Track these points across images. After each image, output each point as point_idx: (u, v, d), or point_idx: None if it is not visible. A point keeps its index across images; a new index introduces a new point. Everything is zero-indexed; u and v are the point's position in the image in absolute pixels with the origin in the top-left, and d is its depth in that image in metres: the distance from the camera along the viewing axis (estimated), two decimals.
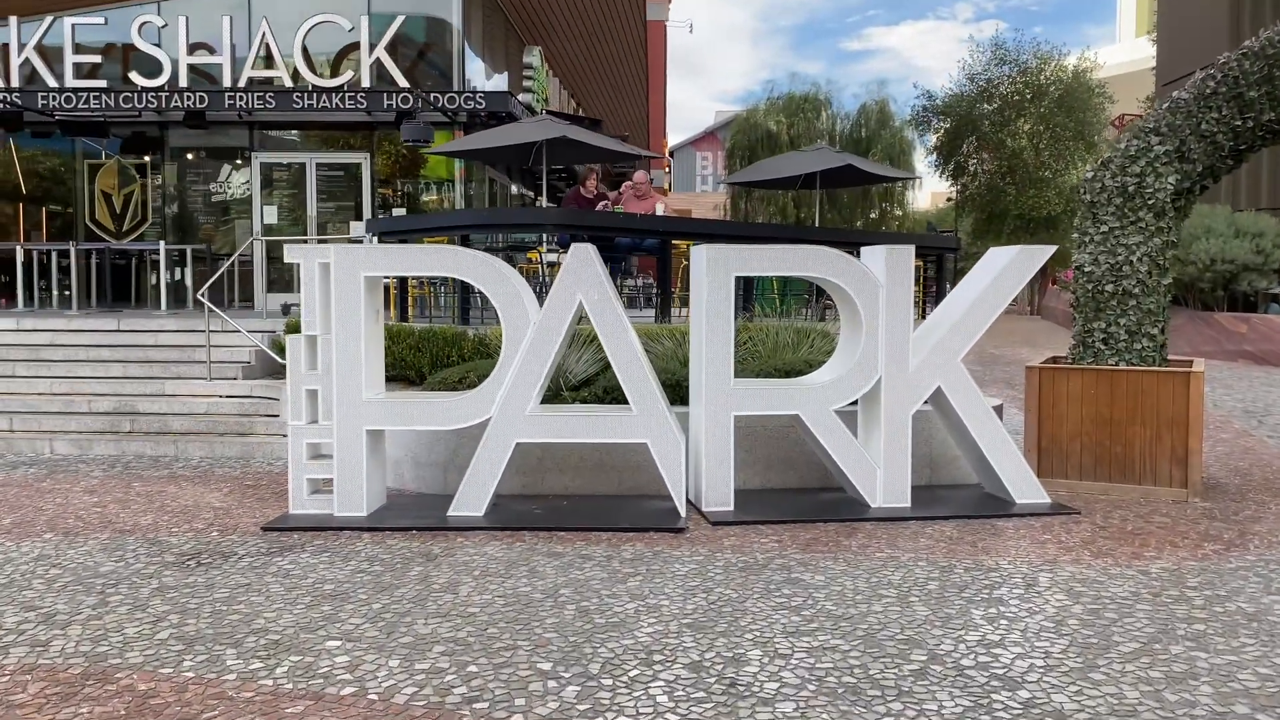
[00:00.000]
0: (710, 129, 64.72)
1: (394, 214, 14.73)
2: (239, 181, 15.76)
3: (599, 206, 9.65)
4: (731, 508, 6.08)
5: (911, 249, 6.23)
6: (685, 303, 9.88)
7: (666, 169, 60.02)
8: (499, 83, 17.19)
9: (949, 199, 39.18)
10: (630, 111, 27.32)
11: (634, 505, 6.27)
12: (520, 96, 15.76)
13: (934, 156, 33.20)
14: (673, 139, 67.85)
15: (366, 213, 14.98)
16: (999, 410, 7.29)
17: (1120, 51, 51.15)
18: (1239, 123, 6.55)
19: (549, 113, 14.23)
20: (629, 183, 10.20)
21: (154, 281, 13.39)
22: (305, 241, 13.13)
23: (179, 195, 15.95)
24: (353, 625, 4.14)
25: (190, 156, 15.94)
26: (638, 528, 5.72)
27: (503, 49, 17.72)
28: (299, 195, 15.41)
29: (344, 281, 5.89)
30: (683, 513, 5.91)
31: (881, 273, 6.16)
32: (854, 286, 6.13)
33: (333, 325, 5.90)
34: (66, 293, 13.44)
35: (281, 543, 5.48)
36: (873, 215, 38.23)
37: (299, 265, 6.00)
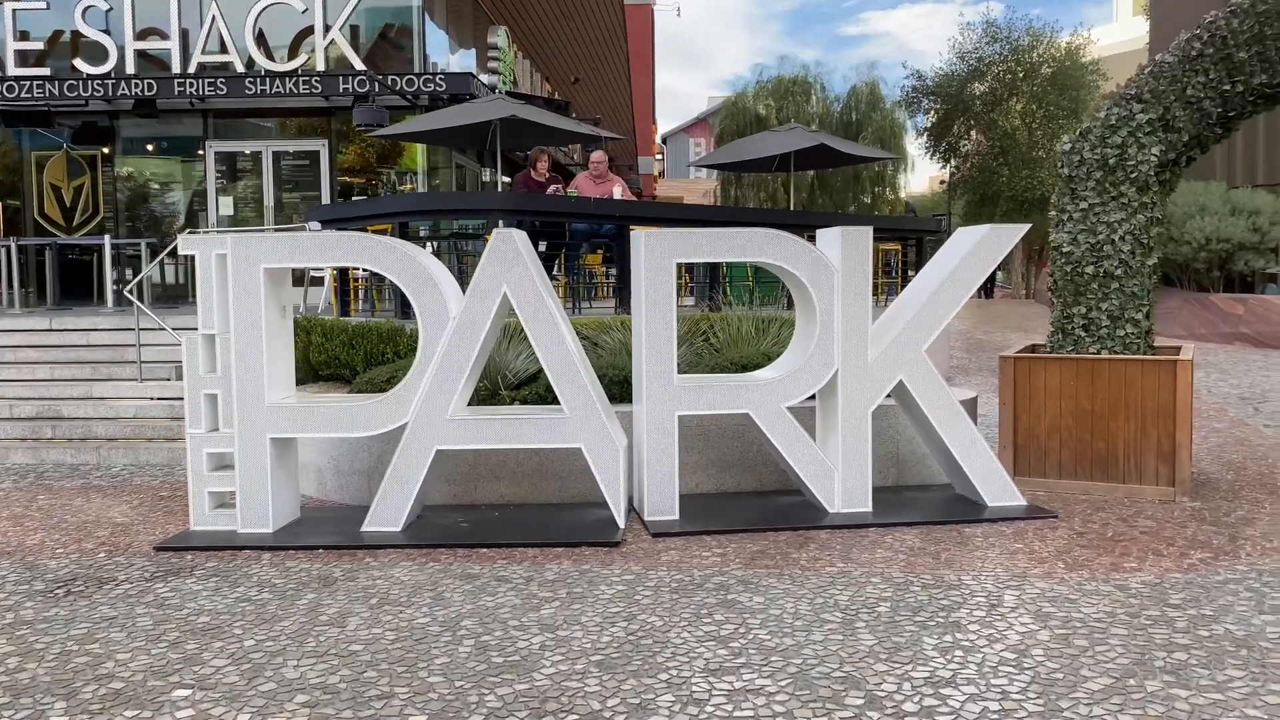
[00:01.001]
0: (702, 115, 64.08)
1: (354, 201, 14.18)
2: (198, 172, 15.19)
3: (550, 190, 9.11)
4: (676, 516, 5.55)
5: (869, 231, 5.68)
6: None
7: (657, 155, 59.45)
8: (464, 64, 16.60)
9: (942, 182, 38.60)
10: (612, 96, 26.72)
11: (572, 515, 5.74)
12: (485, 78, 15.19)
13: (925, 138, 32.55)
14: (669, 126, 67.32)
15: (326, 202, 14.43)
16: (972, 403, 6.76)
17: (1116, 31, 50.44)
18: (1228, 87, 6.00)
19: (509, 94, 13.67)
20: (587, 171, 9.65)
21: (110, 278, 12.82)
22: (262, 233, 12.57)
23: (132, 187, 15.38)
24: (214, 668, 3.62)
25: (142, 146, 15.36)
26: (569, 542, 5.19)
27: (469, 29, 17.11)
28: (257, 185, 14.84)
29: (243, 274, 5.35)
30: (621, 523, 5.38)
31: (837, 257, 5.62)
32: (807, 273, 5.59)
33: (231, 323, 5.36)
34: (13, 290, 12.89)
35: (170, 565, 4.96)
36: (865, 199, 37.68)
37: (195, 257, 5.46)
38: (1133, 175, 6.16)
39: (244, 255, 5.34)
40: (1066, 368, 6.16)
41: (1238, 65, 5.95)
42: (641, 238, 5.55)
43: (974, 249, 5.79)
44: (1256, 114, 6.31)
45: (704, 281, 9.72)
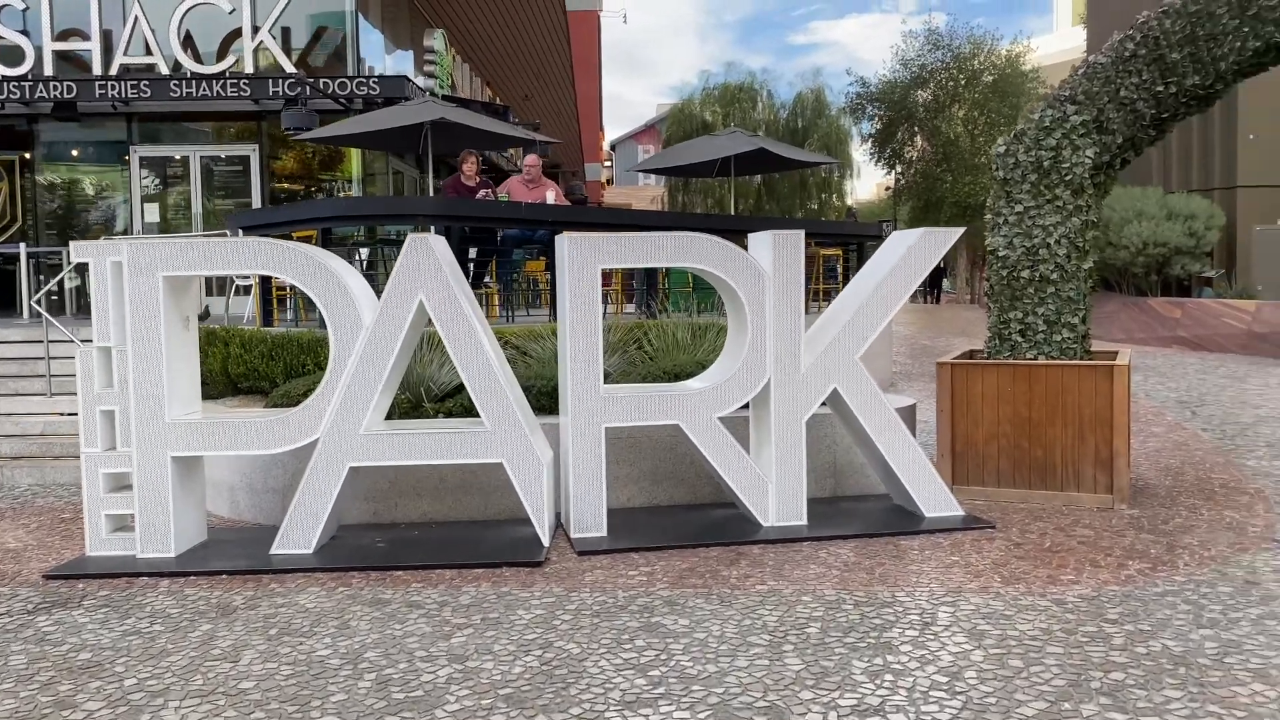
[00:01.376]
0: (651, 122, 64.16)
1: (278, 207, 13.78)
2: (124, 179, 14.67)
3: (480, 194, 8.84)
4: (604, 533, 5.33)
5: (800, 235, 5.51)
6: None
7: (606, 162, 59.38)
8: (400, 67, 16.25)
9: (887, 188, 38.92)
10: (556, 102, 26.46)
11: (496, 533, 5.49)
12: (421, 82, 14.86)
13: (869, 145, 32.73)
14: (619, 133, 67.43)
15: (258, 208, 14.00)
16: (910, 410, 6.62)
17: (1056, 40, 51.41)
18: (1161, 88, 5.93)
19: (446, 98, 13.39)
20: (520, 175, 9.40)
21: (27, 288, 12.26)
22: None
23: (54, 194, 14.80)
24: (85, 713, 3.31)
25: (65, 151, 14.79)
26: (490, 562, 4.93)
27: (406, 31, 16.77)
28: (185, 191, 14.36)
29: (140, 283, 5.03)
30: (545, 542, 5.14)
31: (768, 262, 5.45)
32: (737, 278, 5.40)
33: (128, 335, 5.03)
34: None
35: (58, 595, 4.62)
36: (812, 205, 37.86)
37: (90, 265, 5.12)
38: (1067, 178, 6.08)
39: (140, 263, 5.02)
40: (1003, 374, 6.04)
41: (1170, 66, 5.88)
42: (566, 243, 5.32)
43: (908, 253, 5.64)
44: (1190, 115, 6.27)
45: (643, 288, 9.52)
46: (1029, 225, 6.15)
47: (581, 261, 5.29)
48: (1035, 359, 6.12)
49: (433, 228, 8.84)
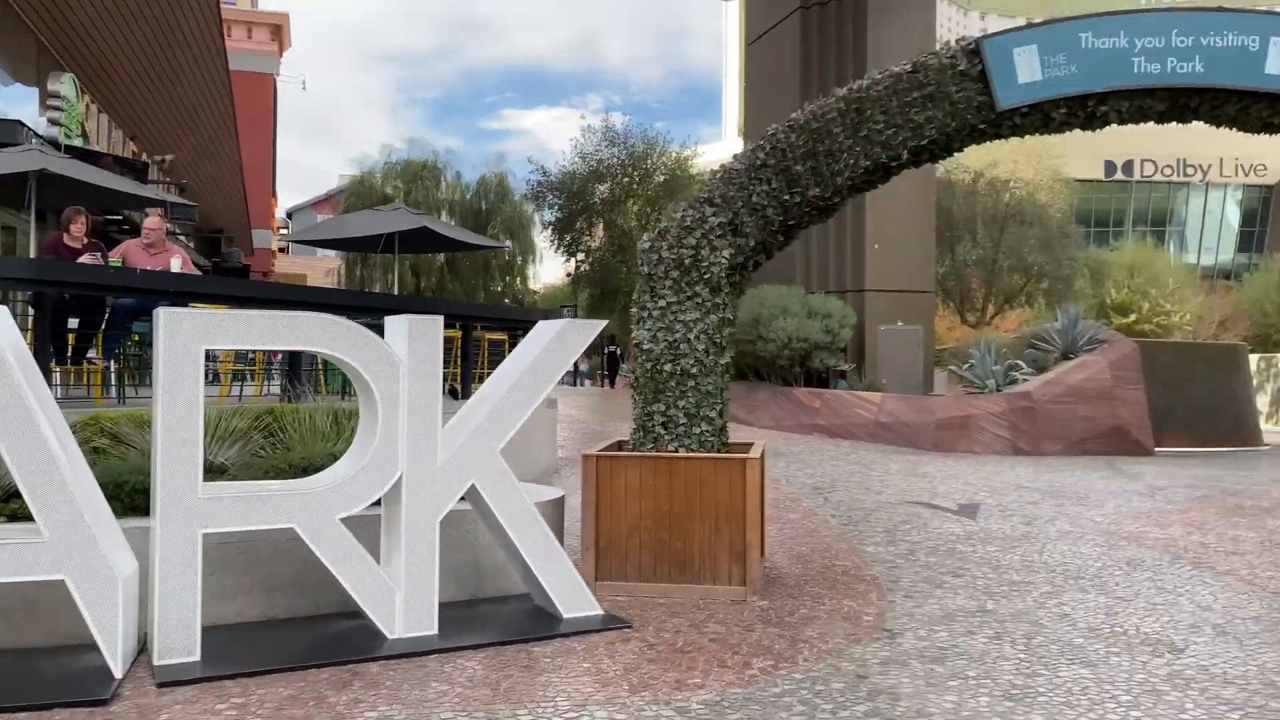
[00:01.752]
0: (332, 192, 62.32)
1: None
2: None
3: (87, 257, 7.74)
4: (197, 657, 4.57)
5: (439, 321, 5.20)
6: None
7: (280, 229, 56.65)
8: (21, 110, 14.33)
9: (568, 274, 40.07)
10: (216, 166, 24.61)
11: (59, 664, 4.54)
12: (44, 129, 13.14)
13: (550, 232, 33.60)
14: (298, 200, 64.79)
15: None
16: (559, 503, 6.43)
17: (722, 147, 56.46)
18: (787, 197, 6.31)
19: (69, 148, 11.90)
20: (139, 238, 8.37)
21: None
22: None
23: None
24: None
25: None
26: (39, 704, 4.04)
27: (32, 72, 14.85)
28: None
29: None
30: (118, 672, 4.32)
31: (404, 349, 5.07)
32: (367, 365, 4.96)
33: None
34: None
35: None
36: (495, 288, 38.10)
37: None
38: (706, 276, 6.26)
39: None
40: (646, 466, 6.02)
41: (795, 177, 6.27)
42: (161, 317, 4.63)
43: (552, 343, 5.50)
44: (814, 223, 6.71)
45: (285, 367, 8.77)
46: (671, 320, 6.25)
47: (180, 340, 4.61)
48: (676, 451, 6.17)
49: (31, 294, 7.62)
